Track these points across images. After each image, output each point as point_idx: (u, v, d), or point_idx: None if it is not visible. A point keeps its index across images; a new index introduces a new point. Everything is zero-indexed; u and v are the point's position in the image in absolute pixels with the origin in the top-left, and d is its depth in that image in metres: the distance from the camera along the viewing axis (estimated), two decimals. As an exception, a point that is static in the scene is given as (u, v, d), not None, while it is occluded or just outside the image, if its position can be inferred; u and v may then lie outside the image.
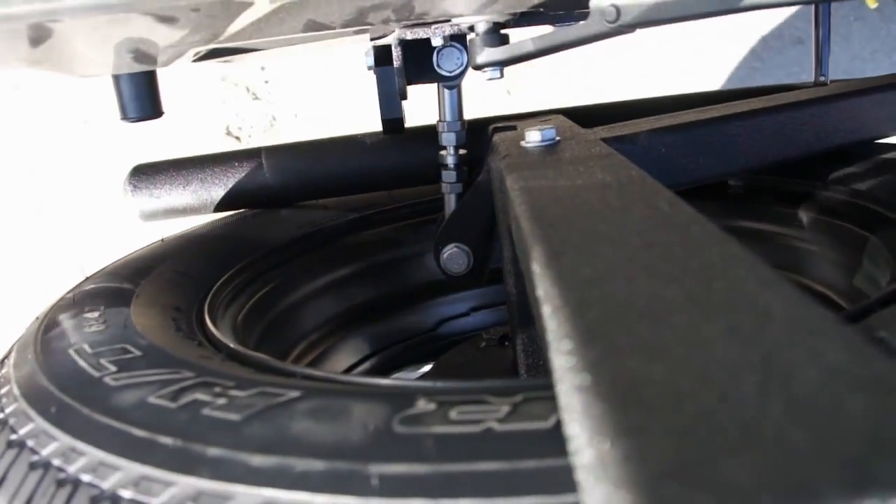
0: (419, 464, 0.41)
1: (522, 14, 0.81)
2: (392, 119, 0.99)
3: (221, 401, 0.51)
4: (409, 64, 0.91)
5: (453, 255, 0.93)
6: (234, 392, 0.52)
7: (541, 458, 0.40)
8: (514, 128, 0.90)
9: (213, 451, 0.46)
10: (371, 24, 0.69)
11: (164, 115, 0.93)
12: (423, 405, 0.46)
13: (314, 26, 0.67)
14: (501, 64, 0.83)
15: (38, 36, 0.63)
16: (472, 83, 0.95)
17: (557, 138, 0.78)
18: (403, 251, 1.07)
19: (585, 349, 0.32)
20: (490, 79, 0.85)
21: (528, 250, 0.48)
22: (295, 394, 0.50)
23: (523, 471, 0.40)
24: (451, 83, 0.93)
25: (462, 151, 0.96)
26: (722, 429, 0.26)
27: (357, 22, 0.68)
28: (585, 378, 0.30)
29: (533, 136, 0.78)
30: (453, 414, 0.44)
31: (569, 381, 0.32)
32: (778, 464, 0.24)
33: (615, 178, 0.59)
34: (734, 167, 0.85)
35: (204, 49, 0.72)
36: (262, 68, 1.78)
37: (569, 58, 1.69)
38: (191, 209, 1.02)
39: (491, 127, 0.93)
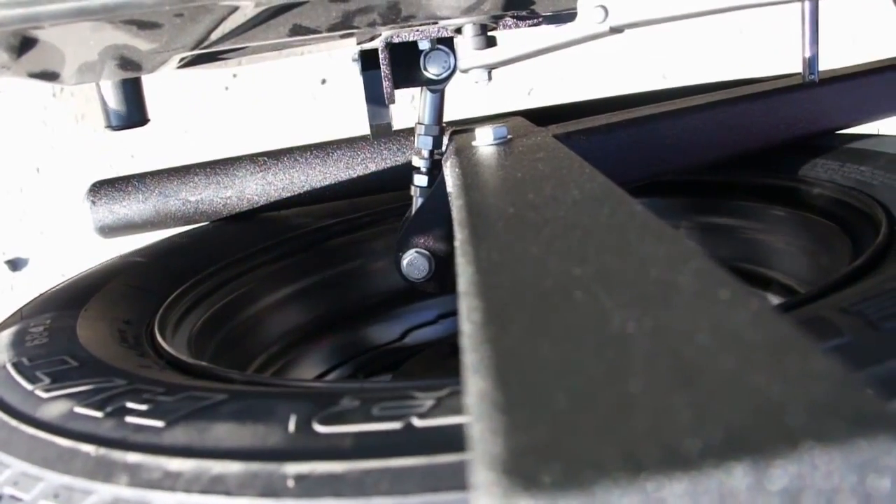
0: (335, 462, 0.40)
1: (509, 16, 0.80)
2: (380, 124, 0.98)
3: (147, 407, 0.49)
4: (396, 68, 0.89)
5: (414, 261, 0.91)
6: (162, 398, 0.51)
7: (460, 452, 0.39)
8: (471, 129, 0.89)
9: (133, 458, 0.44)
10: (357, 28, 0.69)
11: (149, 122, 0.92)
12: (346, 403, 0.44)
13: (300, 31, 0.67)
14: (488, 67, 0.81)
15: (21, 43, 0.63)
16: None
17: (509, 136, 0.77)
18: (367, 260, 1.06)
19: (480, 331, 0.31)
20: (477, 82, 0.83)
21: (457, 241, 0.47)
22: (221, 397, 0.49)
23: (441, 466, 0.39)
24: (438, 86, 0.91)
25: (437, 157, 0.94)
26: (598, 401, 0.24)
27: (343, 26, 0.67)
28: (474, 358, 0.29)
29: (484, 135, 0.77)
30: (375, 410, 0.43)
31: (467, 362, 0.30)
32: (647, 435, 0.22)
33: (554, 170, 0.58)
34: (693, 160, 0.84)
35: (189, 55, 0.71)
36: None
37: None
38: (150, 224, 1.01)
39: (450, 129, 0.92)
